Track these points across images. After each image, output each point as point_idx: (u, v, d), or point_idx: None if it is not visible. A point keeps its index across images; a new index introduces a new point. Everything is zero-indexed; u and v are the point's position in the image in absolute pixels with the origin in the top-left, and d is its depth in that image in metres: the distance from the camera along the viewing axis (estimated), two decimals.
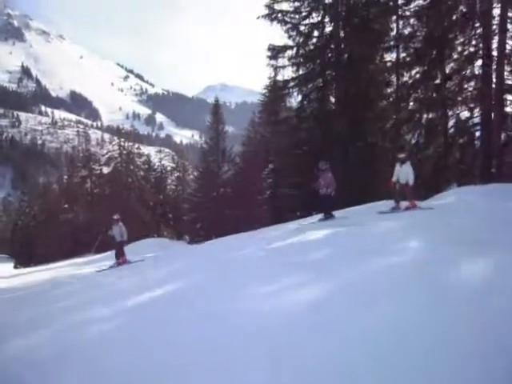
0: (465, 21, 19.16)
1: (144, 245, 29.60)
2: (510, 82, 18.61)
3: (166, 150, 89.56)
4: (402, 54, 22.75)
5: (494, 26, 18.30)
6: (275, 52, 23.62)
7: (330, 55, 24.40)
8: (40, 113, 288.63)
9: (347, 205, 17.08)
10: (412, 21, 21.28)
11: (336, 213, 13.38)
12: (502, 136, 18.59)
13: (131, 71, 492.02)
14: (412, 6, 21.44)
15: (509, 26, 18.11)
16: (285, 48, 23.64)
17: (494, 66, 18.50)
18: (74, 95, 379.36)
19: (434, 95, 20.36)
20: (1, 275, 26.53)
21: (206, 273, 8.34)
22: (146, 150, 64.81)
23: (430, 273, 5.04)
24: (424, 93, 20.79)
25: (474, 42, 18.98)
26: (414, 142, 21.17)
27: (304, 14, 23.70)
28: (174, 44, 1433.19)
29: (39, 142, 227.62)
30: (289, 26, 23.44)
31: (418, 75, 20.96)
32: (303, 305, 4.62)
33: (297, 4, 23.71)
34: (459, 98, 19.65)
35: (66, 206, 52.79)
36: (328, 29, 23.98)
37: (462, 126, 19.83)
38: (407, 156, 12.61)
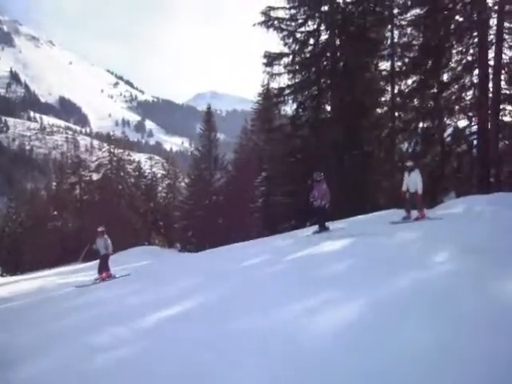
0: (462, 30, 19.18)
1: (134, 253, 29.09)
2: (507, 92, 18.61)
3: (156, 157, 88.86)
4: (398, 63, 22.83)
5: (492, 36, 18.34)
6: (271, 59, 23.50)
7: (325, 63, 24.35)
8: (28, 118, 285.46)
9: (344, 213, 16.86)
10: (409, 30, 21.25)
11: (341, 222, 13.04)
12: (500, 145, 18.56)
13: (121, 78, 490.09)
14: (408, 15, 21.43)
15: (506, 36, 18.16)
16: (281, 55, 23.55)
17: (491, 76, 18.54)
18: (63, 101, 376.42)
19: (431, 104, 20.30)
20: None
21: (218, 289, 7.56)
22: (136, 156, 64.11)
23: (462, 286, 4.79)
24: (421, 102, 20.74)
25: (471, 51, 18.98)
26: (410, 150, 21.03)
27: (300, 21, 23.66)
28: (164, 51, 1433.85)
29: (27, 147, 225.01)
30: (285, 33, 23.37)
31: (414, 84, 20.89)
32: (335, 325, 4.29)
33: (293, 11, 23.66)
34: (456, 107, 19.61)
35: (54, 212, 52.00)
36: (324, 37, 23.95)
37: (459, 135, 19.78)
38: (415, 164, 12.35)
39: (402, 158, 21.62)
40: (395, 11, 23.08)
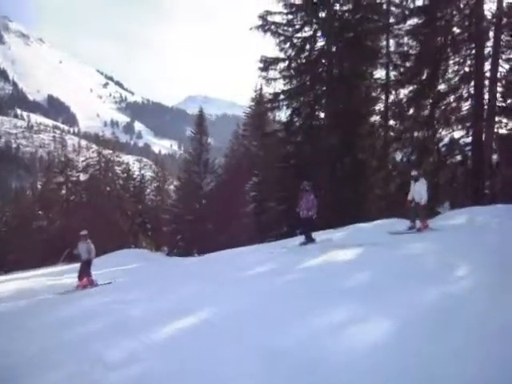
0: (459, 42, 19.21)
1: (123, 256, 28.59)
2: (503, 105, 18.66)
3: (145, 159, 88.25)
4: (393, 73, 22.85)
5: (489, 49, 18.41)
6: (267, 64, 23.32)
7: (321, 70, 24.24)
8: (15, 116, 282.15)
9: (337, 221, 16.66)
10: (406, 39, 21.26)
11: (340, 231, 12.70)
12: (495, 156, 18.60)
13: (111, 78, 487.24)
14: (406, 24, 21.43)
15: (503, 49, 18.24)
16: (277, 60, 23.38)
17: (487, 88, 18.60)
18: (51, 100, 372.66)
19: (427, 114, 20.28)
20: None
21: (229, 299, 6.97)
22: (124, 158, 63.44)
23: (493, 301, 4.52)
24: (416, 111, 20.71)
25: (468, 62, 19.01)
26: (405, 160, 21.00)
27: (297, 27, 23.53)
28: (156, 53, 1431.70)
29: (13, 145, 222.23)
30: (281, 38, 23.21)
31: (410, 94, 20.86)
32: (364, 347, 3.96)
33: (290, 17, 23.52)
34: (452, 118, 19.60)
35: (40, 212, 51.13)
36: (320, 43, 23.85)
37: (454, 146, 19.77)
38: (420, 173, 12.18)
39: (397, 168, 21.62)
40: (391, 20, 23.18)
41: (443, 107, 19.99)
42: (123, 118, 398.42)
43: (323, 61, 24.07)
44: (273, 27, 23.17)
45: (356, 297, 5.67)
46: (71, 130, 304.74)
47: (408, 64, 21.42)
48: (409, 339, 3.97)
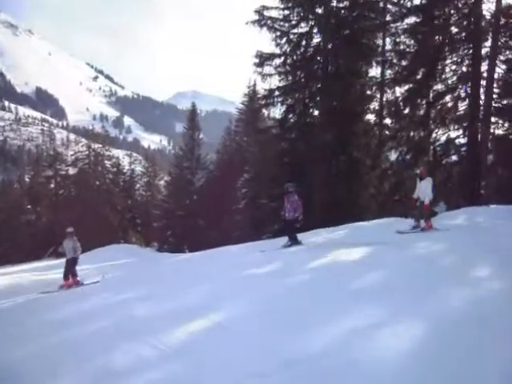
0: (457, 41, 19.15)
1: (112, 251, 28.19)
2: (499, 105, 18.65)
3: (135, 154, 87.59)
4: (388, 71, 22.78)
5: (487, 49, 18.36)
6: (263, 59, 23.04)
7: (316, 67, 24.05)
8: (3, 108, 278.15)
9: (330, 219, 16.52)
10: (402, 38, 21.16)
11: (341, 229, 12.46)
12: (490, 157, 18.61)
13: (101, 72, 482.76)
14: (403, 23, 21.32)
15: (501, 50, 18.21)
16: (272, 56, 23.12)
17: (484, 88, 18.57)
18: (39, 92, 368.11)
19: (422, 113, 20.21)
20: None
21: (239, 301, 6.45)
22: (114, 152, 62.73)
23: None
24: (412, 110, 20.62)
25: (466, 62, 18.95)
26: (400, 159, 20.93)
27: (293, 22, 23.30)
28: (147, 47, 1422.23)
29: (1, 138, 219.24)
30: (278, 33, 22.96)
31: (406, 93, 20.77)
32: (400, 352, 3.71)
33: (286, 12, 23.27)
34: (448, 118, 19.55)
35: (28, 206, 50.44)
36: (316, 40, 23.65)
37: (449, 146, 19.74)
38: (425, 171, 12.02)
39: (391, 167, 21.55)
40: (388, 18, 23.10)
41: (439, 107, 19.93)
42: (113, 113, 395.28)
43: (319, 58, 23.88)
44: (269, 22, 22.90)
45: (375, 298, 5.39)
46: (60, 123, 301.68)
47: (404, 63, 21.29)
48: (451, 349, 3.70)
